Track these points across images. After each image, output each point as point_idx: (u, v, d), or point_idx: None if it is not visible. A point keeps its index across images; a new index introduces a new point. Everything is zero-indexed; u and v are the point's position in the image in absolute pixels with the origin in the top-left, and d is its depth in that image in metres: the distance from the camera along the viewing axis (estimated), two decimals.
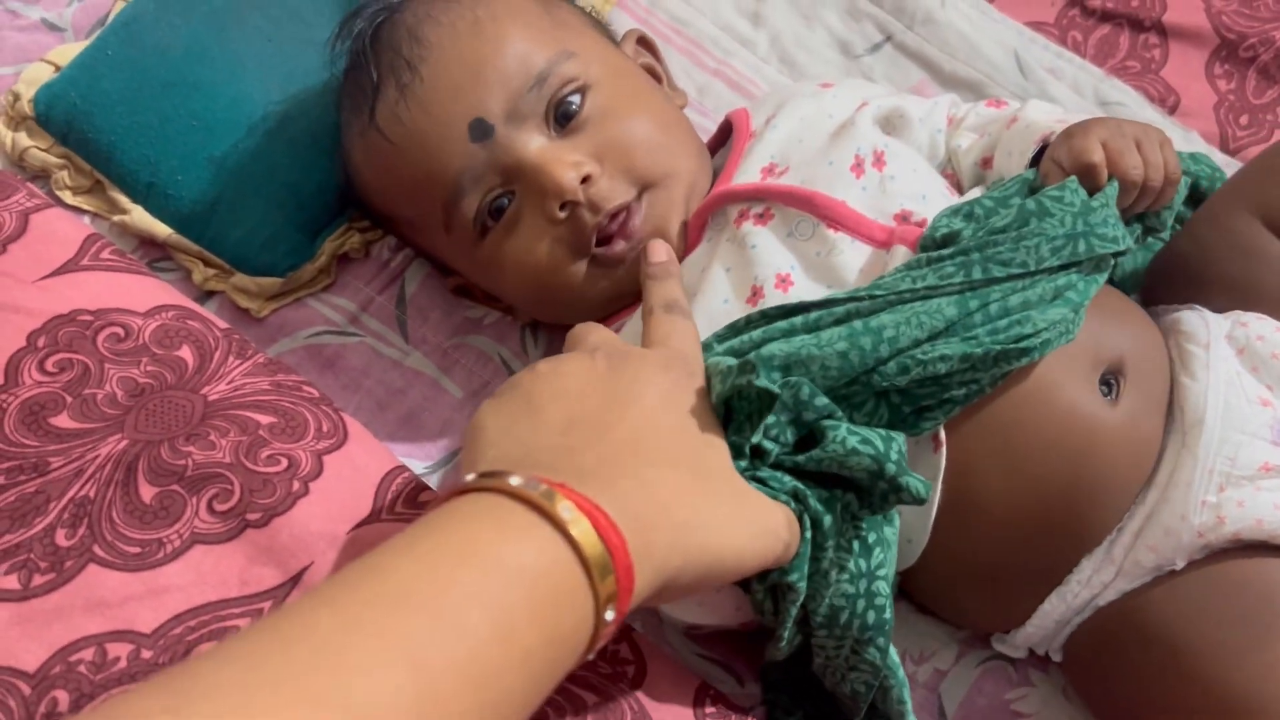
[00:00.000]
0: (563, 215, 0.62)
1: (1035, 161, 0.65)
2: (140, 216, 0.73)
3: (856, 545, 0.54)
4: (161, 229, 0.73)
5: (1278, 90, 0.85)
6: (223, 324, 0.65)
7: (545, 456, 0.47)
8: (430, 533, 0.42)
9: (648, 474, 0.47)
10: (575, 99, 0.63)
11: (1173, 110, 0.84)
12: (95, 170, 0.75)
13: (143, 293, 0.64)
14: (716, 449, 0.52)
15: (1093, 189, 0.61)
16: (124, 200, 0.74)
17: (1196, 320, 0.64)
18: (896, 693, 0.56)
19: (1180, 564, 0.59)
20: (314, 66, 0.74)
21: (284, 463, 0.59)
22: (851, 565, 0.53)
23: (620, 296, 0.66)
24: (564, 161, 0.61)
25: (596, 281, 0.65)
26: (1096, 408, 0.60)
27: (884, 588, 0.54)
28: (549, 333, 0.75)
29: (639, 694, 0.58)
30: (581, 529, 0.42)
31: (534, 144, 0.62)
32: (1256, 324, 0.63)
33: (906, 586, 0.65)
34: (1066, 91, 0.84)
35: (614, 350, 0.53)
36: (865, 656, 0.55)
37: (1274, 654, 0.55)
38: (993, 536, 0.60)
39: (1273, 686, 0.55)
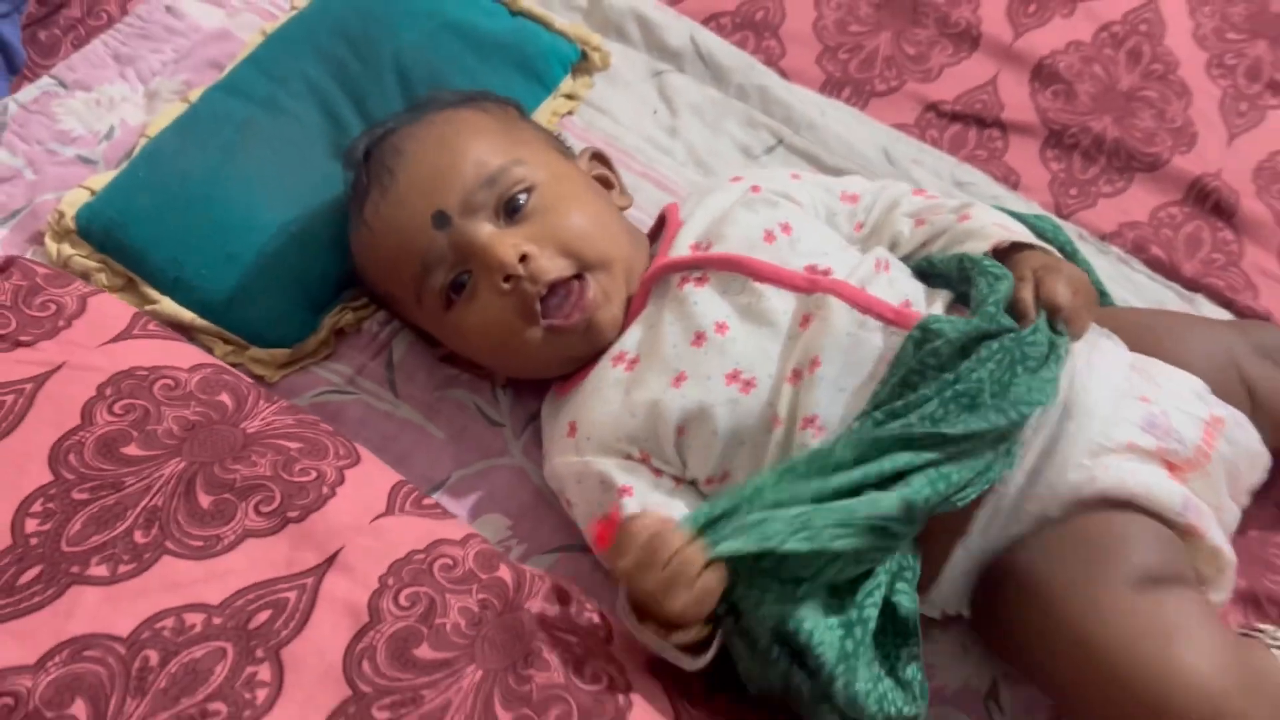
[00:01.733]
0: (507, 286, 0.77)
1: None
2: (168, 305, 0.87)
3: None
4: (187, 315, 0.87)
5: (1098, 167, 1.06)
6: (250, 379, 0.78)
7: None
8: None
9: None
10: (522, 196, 0.79)
11: (1014, 186, 1.04)
12: (128, 270, 0.89)
13: (185, 355, 0.77)
14: None
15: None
16: (153, 293, 0.88)
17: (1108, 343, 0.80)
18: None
19: (1054, 514, 0.73)
20: (310, 182, 0.90)
21: (314, 474, 0.72)
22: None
23: (576, 360, 0.81)
24: (505, 243, 0.77)
25: (553, 346, 0.80)
26: None
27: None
28: (515, 386, 0.89)
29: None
30: None
31: (483, 230, 0.78)
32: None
33: None
34: (927, 175, 1.03)
35: None
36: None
37: (1109, 590, 0.69)
38: None
39: (1111, 618, 0.69)
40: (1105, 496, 0.73)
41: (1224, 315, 0.96)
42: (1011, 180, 1.04)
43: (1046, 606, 0.71)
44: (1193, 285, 0.99)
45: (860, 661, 0.66)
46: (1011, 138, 1.07)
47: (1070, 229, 1.01)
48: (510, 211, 0.79)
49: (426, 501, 0.75)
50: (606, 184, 0.89)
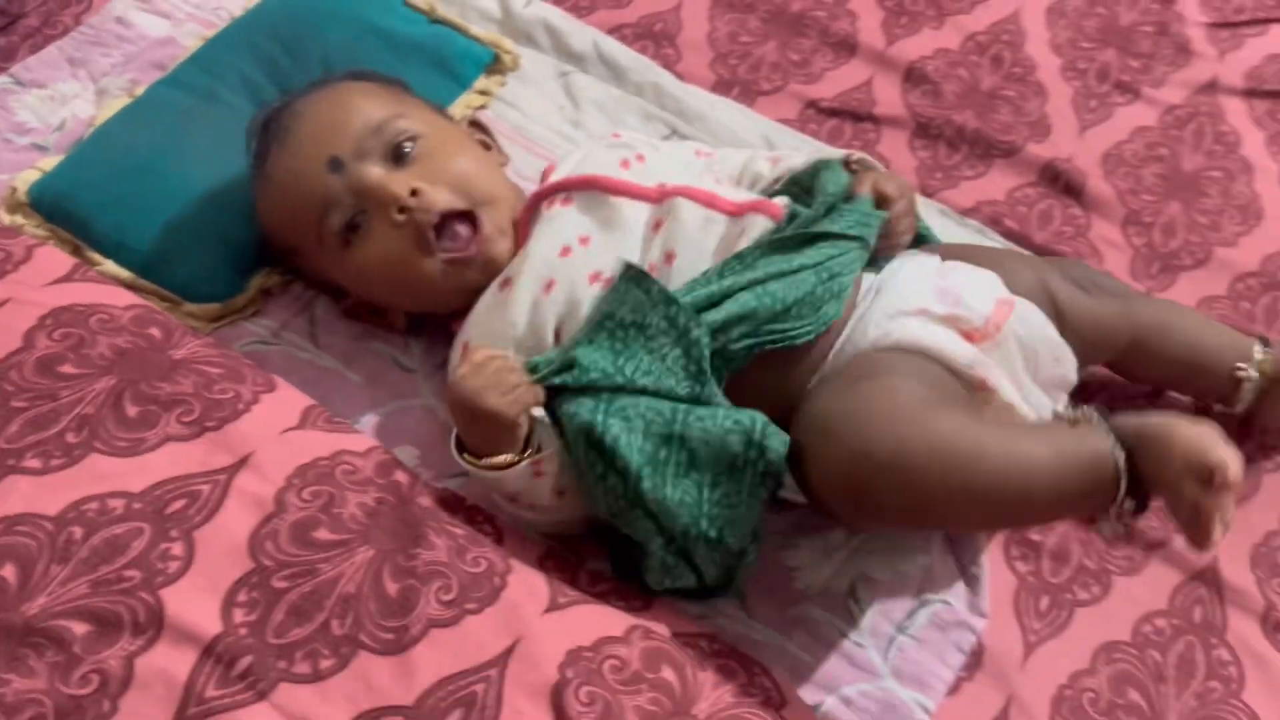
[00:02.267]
0: (401, 219, 0.87)
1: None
2: (110, 267, 0.97)
3: None
4: (126, 274, 0.96)
5: (960, 155, 1.17)
6: (179, 321, 0.88)
7: None
8: None
9: None
10: (408, 144, 0.89)
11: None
12: (74, 238, 0.98)
13: (119, 296, 0.86)
14: None
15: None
16: (97, 257, 0.97)
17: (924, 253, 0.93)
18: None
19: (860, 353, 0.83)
20: (240, 160, 1.00)
21: (232, 393, 0.80)
22: None
23: (473, 291, 0.90)
24: (395, 179, 0.87)
25: (451, 279, 0.89)
26: None
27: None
28: (427, 335, 0.98)
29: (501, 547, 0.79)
30: None
31: (374, 171, 0.88)
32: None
33: None
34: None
35: None
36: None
37: (870, 386, 0.78)
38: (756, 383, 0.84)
39: (875, 403, 0.77)
40: (899, 347, 0.82)
41: None
42: (882, 166, 1.15)
43: (830, 421, 0.78)
44: (1043, 251, 1.10)
45: (669, 471, 0.76)
46: (883, 130, 1.19)
47: (933, 206, 1.12)
48: (398, 157, 0.89)
49: (336, 421, 0.84)
50: (485, 146, 0.99)
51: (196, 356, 0.83)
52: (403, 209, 0.87)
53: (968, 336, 0.83)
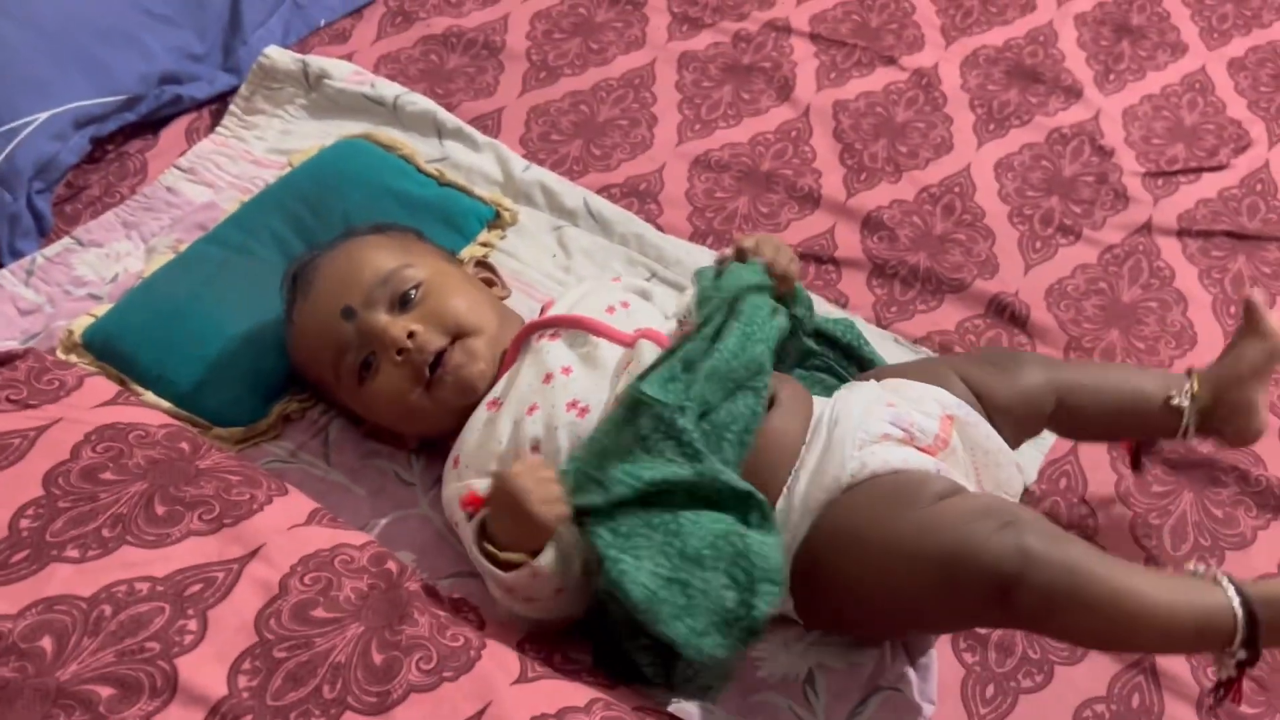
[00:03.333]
0: (400, 359, 1.00)
1: None
2: (150, 397, 1.10)
3: None
4: (164, 404, 1.09)
5: (914, 291, 1.29)
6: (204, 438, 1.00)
7: None
8: None
9: None
10: (412, 290, 1.03)
11: (845, 306, 1.27)
12: (120, 373, 1.12)
13: (156, 418, 0.99)
14: None
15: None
16: (139, 389, 1.10)
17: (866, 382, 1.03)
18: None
19: (838, 495, 0.91)
20: (268, 304, 1.14)
21: (248, 495, 0.92)
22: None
23: (455, 410, 1.02)
24: (396, 325, 1.00)
25: (434, 400, 1.01)
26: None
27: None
28: (427, 456, 1.10)
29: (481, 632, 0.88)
30: None
31: (379, 318, 1.01)
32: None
33: None
34: None
35: None
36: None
37: (917, 509, 0.87)
38: None
39: (931, 523, 0.85)
40: (875, 475, 0.91)
41: None
42: (842, 302, 1.28)
43: (864, 544, 0.87)
44: None
45: (665, 610, 0.84)
46: (844, 270, 1.31)
47: (888, 336, 1.24)
48: (403, 303, 1.02)
49: (340, 523, 0.94)
50: (490, 283, 1.13)
51: (219, 466, 0.95)
52: (401, 350, 1.00)
53: (923, 450, 0.93)
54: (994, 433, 0.97)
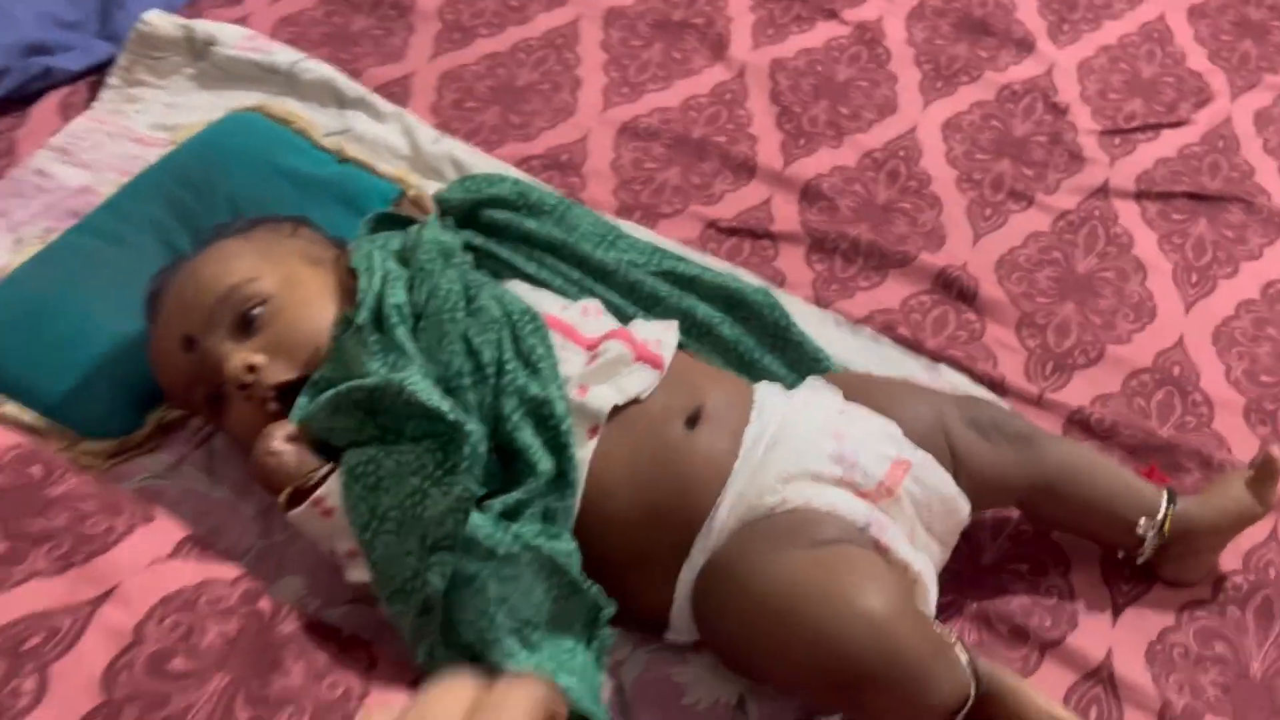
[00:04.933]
0: (244, 394, 0.89)
1: None
2: (12, 409, 0.99)
3: None
4: (27, 416, 0.99)
5: (855, 267, 1.20)
6: (62, 459, 0.89)
7: None
8: None
9: None
10: (257, 309, 0.91)
11: (781, 285, 1.18)
12: None
13: (4, 438, 0.88)
14: None
15: None
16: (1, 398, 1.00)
17: (826, 390, 0.94)
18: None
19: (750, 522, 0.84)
20: (142, 299, 1.04)
21: (105, 526, 0.81)
22: None
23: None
24: (234, 357, 0.89)
25: None
26: (681, 438, 0.87)
27: None
28: None
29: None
30: None
31: (218, 347, 0.90)
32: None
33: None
34: None
35: None
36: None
37: (793, 552, 0.80)
38: (629, 533, 0.85)
39: (794, 572, 0.79)
40: (794, 511, 0.83)
41: (964, 380, 1.09)
42: (779, 280, 1.18)
43: (744, 584, 0.81)
44: (937, 357, 1.12)
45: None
46: (781, 246, 1.22)
47: (828, 316, 1.14)
48: (246, 324, 0.90)
49: (210, 552, 0.84)
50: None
51: (74, 493, 0.84)
52: (242, 385, 0.89)
53: (861, 494, 0.84)
54: (950, 479, 0.88)
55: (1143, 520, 0.92)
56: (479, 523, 0.80)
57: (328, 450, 0.86)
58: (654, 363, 0.91)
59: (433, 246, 0.97)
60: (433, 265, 0.94)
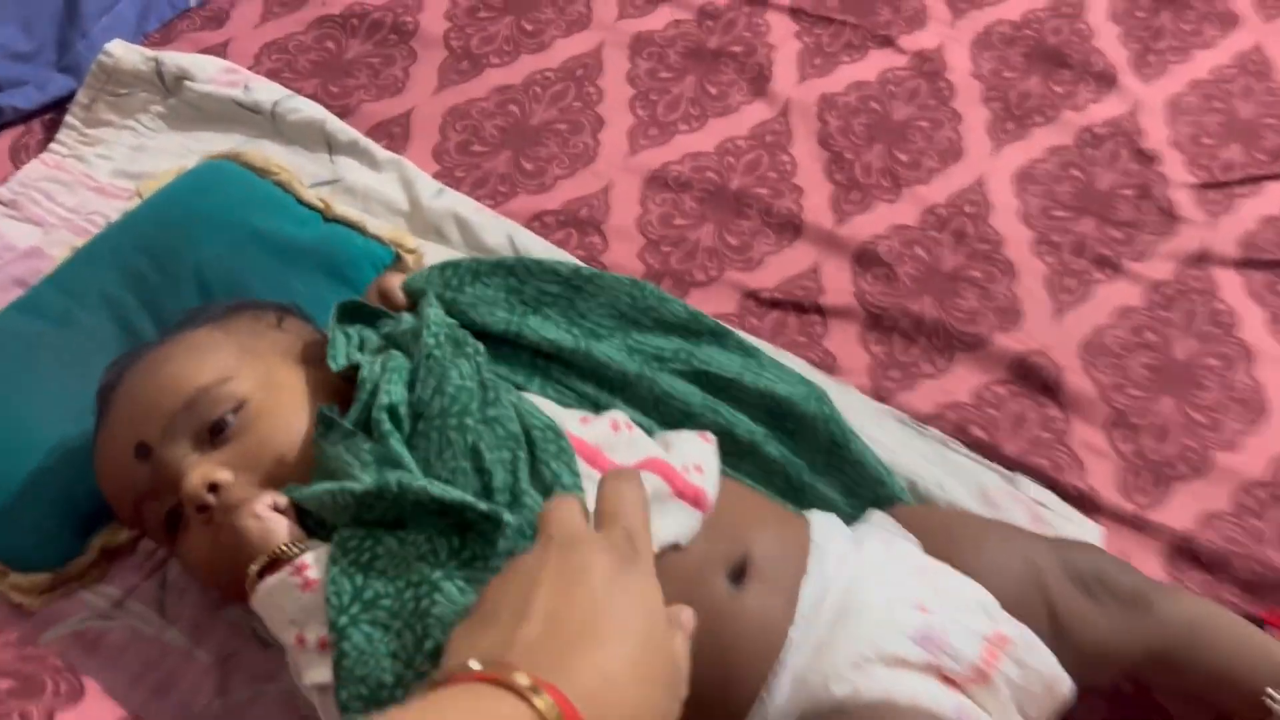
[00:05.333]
0: (201, 515, 0.74)
1: None
2: None
3: None
4: None
5: (918, 348, 1.04)
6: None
7: (503, 652, 0.52)
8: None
9: (598, 655, 0.52)
10: (230, 416, 0.76)
11: (831, 371, 1.02)
12: None
13: None
14: (656, 620, 0.58)
15: None
16: None
17: (903, 544, 0.78)
18: None
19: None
20: (89, 394, 0.88)
21: (17, 716, 0.67)
22: None
23: None
24: (195, 473, 0.74)
25: None
26: (725, 598, 0.72)
27: None
28: None
29: None
30: (546, 703, 0.48)
31: (178, 458, 0.75)
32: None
33: None
34: None
35: (565, 538, 0.58)
36: None
37: None
38: None
39: None
40: (871, 707, 0.68)
41: (1048, 494, 0.93)
42: (829, 364, 1.02)
43: None
44: (1016, 465, 0.95)
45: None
46: (831, 322, 1.06)
47: (889, 412, 0.98)
48: (214, 432, 0.76)
49: None
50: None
51: None
52: (202, 507, 0.74)
53: (949, 682, 0.69)
54: (1052, 658, 0.73)
55: (1271, 691, 0.76)
56: None
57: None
58: (695, 500, 0.76)
59: (440, 330, 0.81)
60: (441, 353, 0.79)
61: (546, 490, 0.73)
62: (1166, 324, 1.07)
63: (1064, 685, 0.73)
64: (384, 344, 0.84)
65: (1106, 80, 1.28)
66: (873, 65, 1.29)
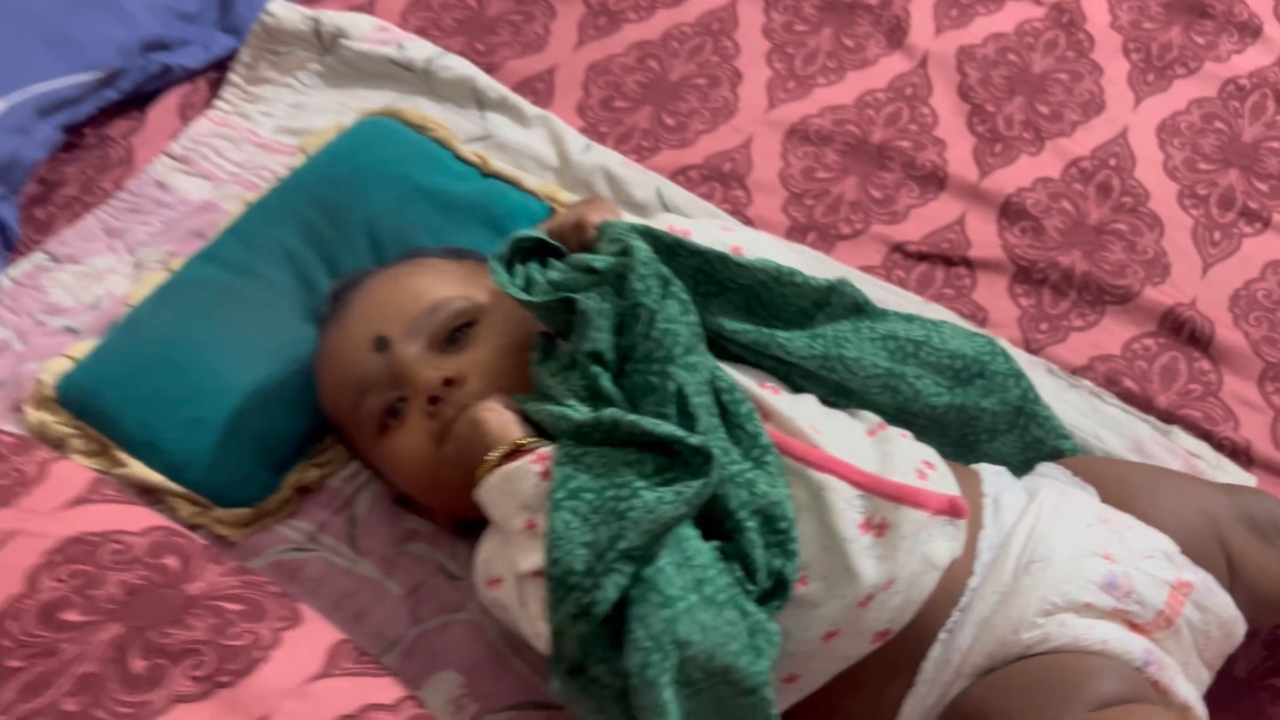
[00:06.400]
0: (431, 409, 0.79)
1: None
2: (137, 469, 0.90)
3: None
4: (155, 477, 0.89)
5: (1068, 301, 1.05)
6: (202, 541, 0.80)
7: None
8: None
9: None
10: (466, 329, 0.82)
11: (982, 324, 1.03)
12: (101, 435, 0.92)
13: (138, 518, 0.79)
14: None
15: None
16: (124, 457, 0.90)
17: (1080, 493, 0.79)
18: None
19: (999, 665, 0.71)
20: (279, 342, 0.94)
21: (250, 637, 0.72)
22: None
23: None
24: (430, 364, 0.80)
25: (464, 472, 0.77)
26: None
27: None
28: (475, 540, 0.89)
29: None
30: None
31: (415, 354, 0.81)
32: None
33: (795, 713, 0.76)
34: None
35: None
36: None
37: (1072, 713, 0.67)
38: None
39: None
40: (1060, 651, 0.70)
41: (1202, 446, 0.94)
42: (979, 317, 1.04)
43: None
44: (1168, 417, 0.97)
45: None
46: (979, 275, 1.07)
47: (1039, 364, 1.00)
48: (451, 340, 0.82)
49: (366, 661, 0.75)
50: None
51: (215, 590, 0.75)
52: (433, 398, 0.79)
53: (1134, 626, 0.71)
54: (1230, 602, 0.74)
55: None
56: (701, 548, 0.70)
57: None
58: (953, 510, 0.75)
59: (649, 269, 0.79)
60: (650, 298, 0.77)
61: (748, 451, 0.75)
62: None
63: (1240, 627, 0.75)
64: (593, 279, 0.81)
65: (1251, 30, 1.26)
66: (1010, 16, 1.28)
